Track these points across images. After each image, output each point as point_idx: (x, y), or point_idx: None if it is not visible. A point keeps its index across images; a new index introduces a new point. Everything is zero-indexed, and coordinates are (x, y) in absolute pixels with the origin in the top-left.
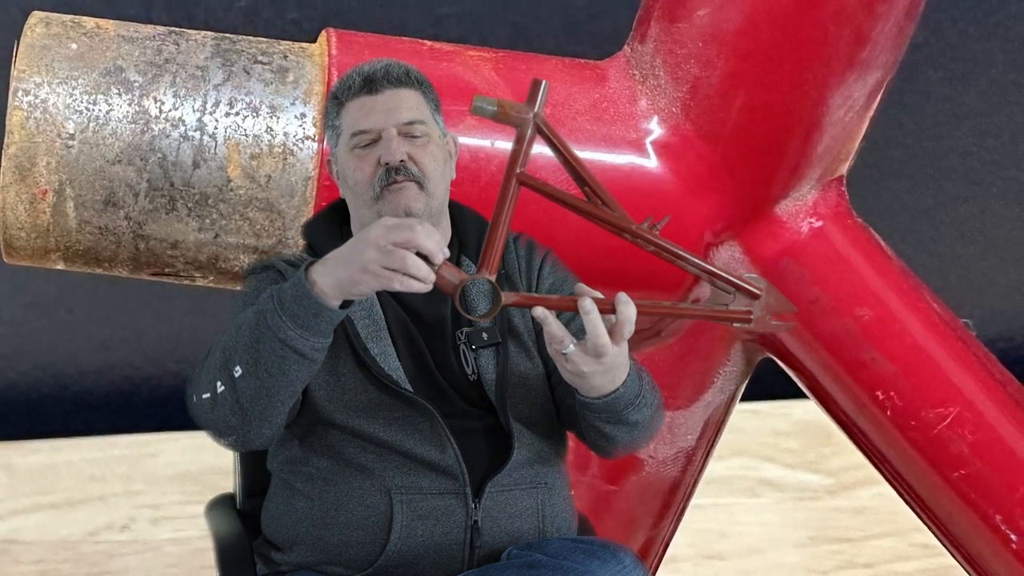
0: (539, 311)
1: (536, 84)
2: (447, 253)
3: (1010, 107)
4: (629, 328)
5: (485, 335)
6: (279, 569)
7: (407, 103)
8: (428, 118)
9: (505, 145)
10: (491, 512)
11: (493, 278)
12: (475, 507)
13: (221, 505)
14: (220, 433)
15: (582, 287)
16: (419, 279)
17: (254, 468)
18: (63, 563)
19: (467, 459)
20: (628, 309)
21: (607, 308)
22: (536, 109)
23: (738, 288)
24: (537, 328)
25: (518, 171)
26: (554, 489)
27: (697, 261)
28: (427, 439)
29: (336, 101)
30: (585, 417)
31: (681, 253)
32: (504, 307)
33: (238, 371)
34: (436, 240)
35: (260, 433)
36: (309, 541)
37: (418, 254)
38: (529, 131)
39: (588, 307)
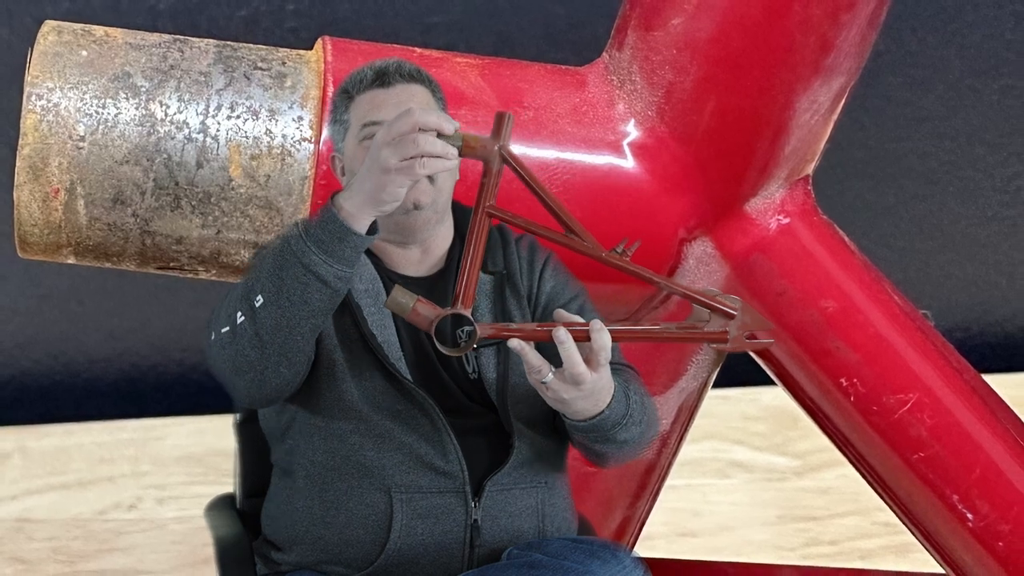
0: (515, 343)
1: (501, 117)
2: (457, 123)
3: (966, 110)
4: (605, 355)
5: None
6: (279, 569)
7: (418, 98)
8: None
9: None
10: (491, 511)
11: (468, 311)
12: (475, 506)
13: (221, 505)
14: (238, 370)
15: (561, 312)
16: (439, 155)
17: (254, 468)
18: (74, 540)
19: (467, 457)
20: (602, 337)
21: (582, 336)
22: (502, 141)
23: (712, 308)
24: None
25: (487, 204)
26: (554, 489)
27: (671, 284)
28: (427, 436)
29: (346, 95)
30: (574, 436)
31: (655, 278)
32: (481, 339)
33: (259, 300)
34: (436, 114)
35: (278, 372)
36: (309, 540)
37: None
38: (496, 164)
39: (563, 337)
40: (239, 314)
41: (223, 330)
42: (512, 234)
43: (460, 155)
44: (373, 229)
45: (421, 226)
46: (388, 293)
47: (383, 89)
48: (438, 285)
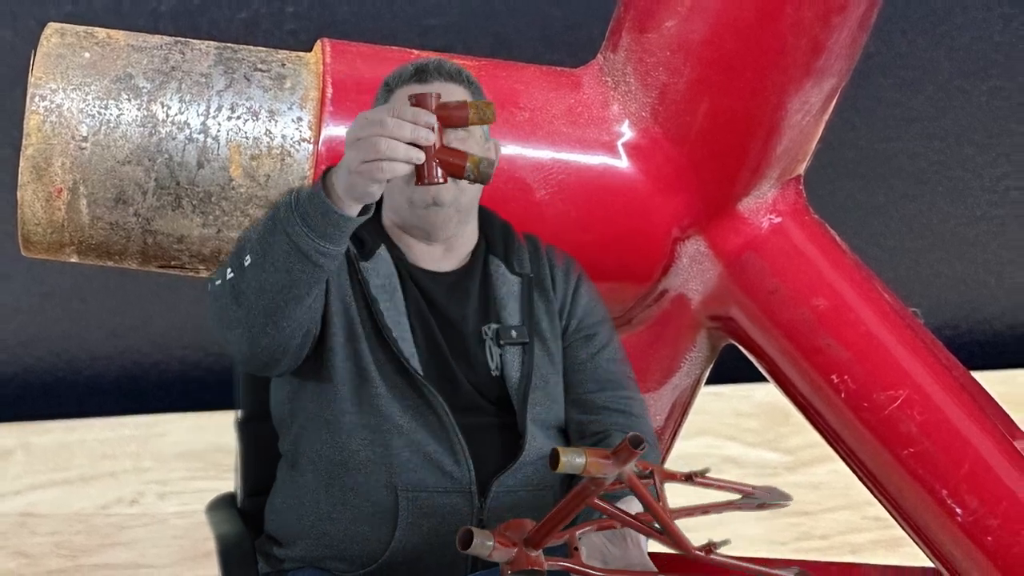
0: None
1: (631, 451)
2: (431, 123)
3: (955, 111)
4: None
5: (514, 332)
6: (281, 567)
7: (454, 96)
8: None
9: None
10: (496, 512)
11: (540, 553)
12: (480, 506)
13: (222, 505)
14: (228, 324)
15: None
16: (401, 159)
17: (256, 468)
18: (76, 535)
19: (475, 457)
20: None
21: None
22: (624, 469)
23: None
24: (564, 333)
25: (593, 500)
26: (560, 493)
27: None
28: (436, 434)
29: (386, 88)
30: None
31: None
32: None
33: (248, 260)
34: (408, 128)
35: (265, 332)
36: (314, 536)
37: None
38: (610, 481)
39: None
40: (230, 270)
41: (217, 282)
42: (542, 243)
43: (582, 472)
44: (365, 211)
45: (443, 223)
46: (405, 293)
47: (421, 84)
48: (461, 282)
